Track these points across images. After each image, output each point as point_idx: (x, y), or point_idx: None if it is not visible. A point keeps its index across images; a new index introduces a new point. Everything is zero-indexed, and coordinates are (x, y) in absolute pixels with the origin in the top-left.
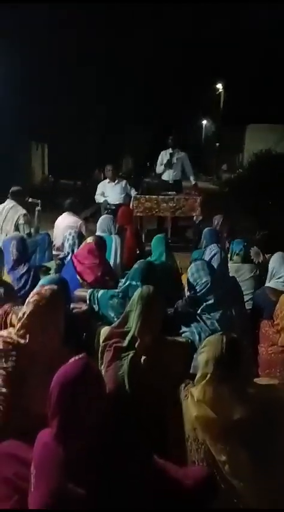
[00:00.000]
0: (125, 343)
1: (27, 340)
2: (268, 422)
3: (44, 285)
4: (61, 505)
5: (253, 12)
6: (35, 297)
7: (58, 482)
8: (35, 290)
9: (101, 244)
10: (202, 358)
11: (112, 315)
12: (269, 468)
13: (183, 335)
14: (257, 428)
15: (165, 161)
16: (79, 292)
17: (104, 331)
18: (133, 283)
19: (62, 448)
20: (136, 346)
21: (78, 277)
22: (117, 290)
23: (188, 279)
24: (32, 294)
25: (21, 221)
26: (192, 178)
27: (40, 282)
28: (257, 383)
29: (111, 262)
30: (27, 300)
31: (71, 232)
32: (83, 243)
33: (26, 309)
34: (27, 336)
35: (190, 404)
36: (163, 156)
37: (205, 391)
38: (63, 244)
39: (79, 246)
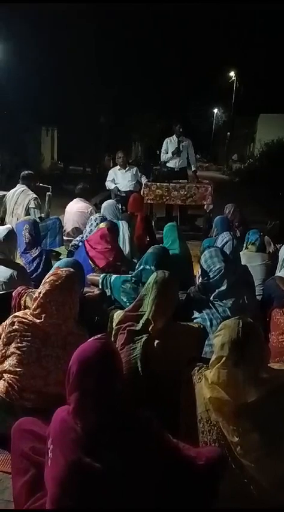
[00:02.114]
0: (139, 326)
1: (43, 320)
2: (280, 406)
3: (60, 267)
4: (77, 479)
5: (269, 1)
6: (51, 277)
7: (75, 456)
8: (51, 271)
9: (114, 230)
10: (217, 341)
11: (125, 299)
12: (280, 451)
13: (194, 321)
14: (269, 412)
15: (172, 149)
16: (91, 277)
17: (117, 314)
18: (147, 267)
19: (79, 424)
20: (149, 329)
21: (90, 262)
22: (130, 275)
23: (201, 266)
24: (48, 274)
25: (31, 205)
26: (193, 166)
27: (56, 265)
28: (271, 367)
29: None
30: (43, 280)
31: (96, 218)
32: (95, 228)
33: (42, 288)
34: (43, 315)
35: (204, 386)
36: (169, 144)
37: (219, 374)
38: (76, 228)
39: None
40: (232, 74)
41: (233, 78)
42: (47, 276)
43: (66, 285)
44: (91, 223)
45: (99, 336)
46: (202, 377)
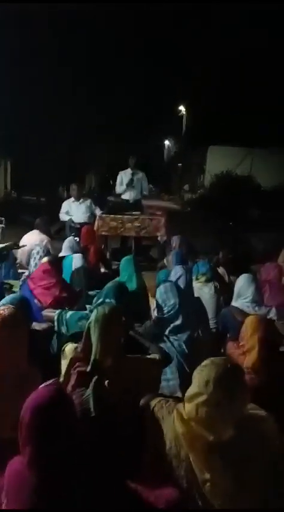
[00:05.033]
0: (88, 368)
1: None
2: (252, 447)
3: (5, 304)
4: None
5: (215, 35)
6: None
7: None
8: None
9: (56, 263)
10: (201, 376)
11: None
12: (249, 491)
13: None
14: (241, 451)
15: (126, 181)
16: (47, 313)
17: (69, 349)
18: (107, 300)
19: (34, 476)
20: (100, 368)
21: (35, 300)
22: (86, 311)
23: (156, 300)
24: None
25: None
26: (143, 193)
27: (1, 302)
28: (248, 411)
29: (73, 281)
30: None
31: (38, 250)
32: (39, 262)
33: None
34: None
35: (176, 420)
36: (123, 176)
37: (198, 410)
38: (28, 261)
39: None
40: (181, 107)
41: (183, 112)
42: None
43: (10, 324)
44: (35, 257)
45: (49, 382)
46: (172, 411)
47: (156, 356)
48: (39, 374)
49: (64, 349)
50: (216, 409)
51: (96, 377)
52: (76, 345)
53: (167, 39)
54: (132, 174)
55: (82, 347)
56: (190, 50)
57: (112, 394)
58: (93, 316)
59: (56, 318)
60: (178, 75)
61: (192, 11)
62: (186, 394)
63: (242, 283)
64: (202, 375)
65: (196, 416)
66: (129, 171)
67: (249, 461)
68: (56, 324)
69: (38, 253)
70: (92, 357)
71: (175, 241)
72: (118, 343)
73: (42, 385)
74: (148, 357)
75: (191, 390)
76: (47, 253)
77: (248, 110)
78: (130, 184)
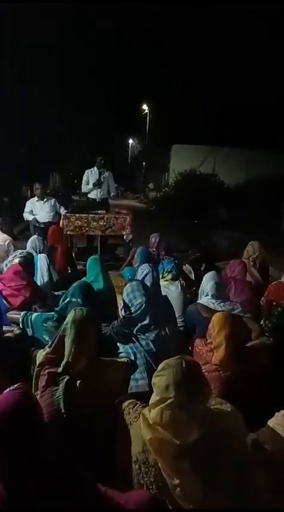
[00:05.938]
0: (60, 369)
1: None
2: (219, 446)
3: None
4: None
5: (179, 35)
6: None
7: None
8: None
9: (28, 264)
10: (161, 381)
11: (47, 338)
12: (219, 492)
13: (119, 355)
14: (209, 452)
15: (93, 180)
16: (11, 315)
17: (39, 354)
18: (74, 299)
19: (2, 487)
20: (71, 370)
21: (4, 301)
22: (51, 313)
23: (123, 300)
24: None
25: None
26: (112, 193)
27: None
28: (211, 407)
29: (38, 282)
30: None
31: (21, 251)
32: (9, 265)
33: None
34: None
35: (142, 426)
36: (90, 175)
37: (163, 414)
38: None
39: None
40: (145, 106)
41: (146, 111)
42: None
43: None
44: (15, 255)
45: (15, 386)
46: (139, 416)
47: (125, 359)
48: (6, 378)
49: (35, 356)
50: (180, 412)
51: (67, 377)
52: (46, 348)
53: (132, 39)
54: (100, 173)
55: (54, 348)
56: (154, 49)
57: (83, 394)
58: (69, 318)
59: (21, 319)
60: (143, 74)
61: (157, 11)
62: (150, 402)
63: (205, 280)
64: (161, 379)
65: (161, 421)
66: (95, 169)
67: (217, 460)
68: (21, 326)
69: (21, 253)
70: (65, 359)
71: (154, 237)
72: (92, 345)
73: (7, 389)
74: (119, 360)
75: (154, 397)
76: (27, 253)
77: (212, 108)
78: (97, 184)
